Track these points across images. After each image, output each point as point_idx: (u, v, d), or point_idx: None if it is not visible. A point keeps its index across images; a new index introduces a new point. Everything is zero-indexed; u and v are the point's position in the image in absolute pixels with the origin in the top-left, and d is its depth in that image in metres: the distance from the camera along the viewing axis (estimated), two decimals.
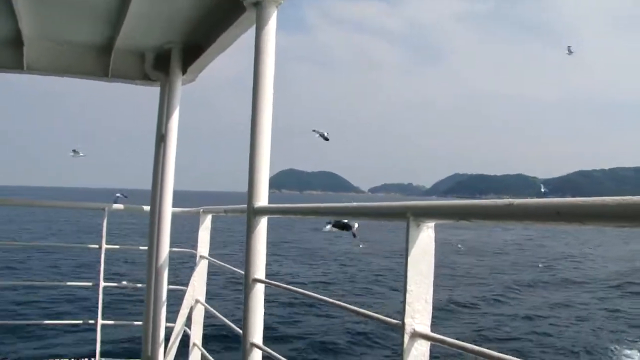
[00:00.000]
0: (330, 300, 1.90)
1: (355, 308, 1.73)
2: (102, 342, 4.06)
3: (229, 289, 19.08)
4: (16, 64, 3.97)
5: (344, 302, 1.81)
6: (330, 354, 14.14)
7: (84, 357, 4.07)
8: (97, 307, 4.13)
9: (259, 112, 2.27)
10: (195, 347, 3.61)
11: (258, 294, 2.24)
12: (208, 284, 3.71)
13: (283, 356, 2.14)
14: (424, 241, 1.39)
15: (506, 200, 1.14)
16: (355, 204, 1.69)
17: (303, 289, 2.16)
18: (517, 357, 1.13)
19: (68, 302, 16.95)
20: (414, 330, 1.38)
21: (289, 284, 2.38)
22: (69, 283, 5.56)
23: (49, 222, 51.52)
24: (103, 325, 4.10)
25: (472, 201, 1.26)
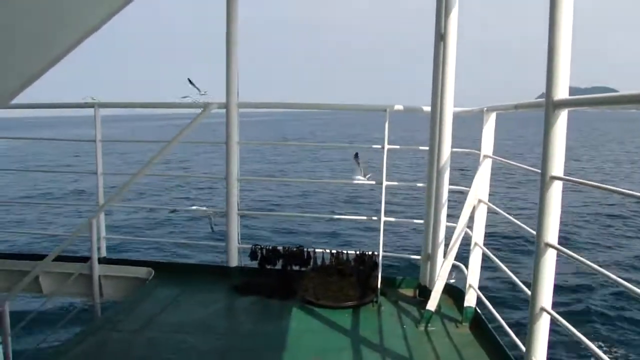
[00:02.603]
0: None
1: None
2: (384, 238, 4.25)
3: (515, 189, 17.76)
4: None
5: None
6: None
7: (368, 252, 4.37)
8: (380, 205, 4.35)
9: None
10: (477, 247, 3.58)
11: (555, 192, 2.05)
12: (491, 184, 3.59)
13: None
14: None
15: None
16: None
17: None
18: None
19: (356, 200, 18.89)
20: None
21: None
22: (355, 182, 5.99)
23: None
24: (385, 222, 4.32)
25: None
